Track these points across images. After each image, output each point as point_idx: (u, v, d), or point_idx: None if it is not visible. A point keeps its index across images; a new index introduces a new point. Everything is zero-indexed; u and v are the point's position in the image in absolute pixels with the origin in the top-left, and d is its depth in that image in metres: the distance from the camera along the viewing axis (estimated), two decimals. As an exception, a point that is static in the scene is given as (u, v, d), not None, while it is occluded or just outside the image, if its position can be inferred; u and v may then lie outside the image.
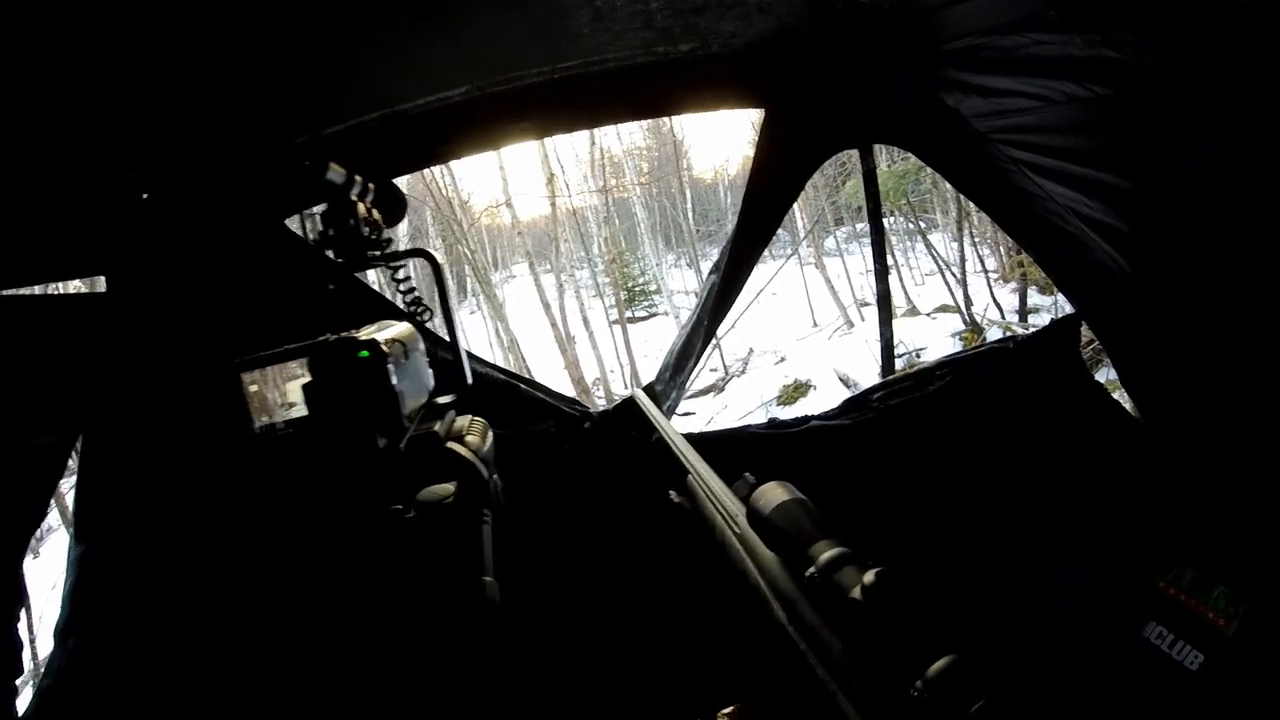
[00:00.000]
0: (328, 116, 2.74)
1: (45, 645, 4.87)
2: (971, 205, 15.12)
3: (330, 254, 2.19)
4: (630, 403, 3.14)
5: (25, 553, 2.56)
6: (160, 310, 2.96)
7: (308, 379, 1.78)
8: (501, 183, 17.16)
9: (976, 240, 17.39)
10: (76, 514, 2.91)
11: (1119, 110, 2.01)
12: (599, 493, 3.09)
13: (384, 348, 1.78)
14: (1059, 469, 2.94)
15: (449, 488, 1.86)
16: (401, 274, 2.43)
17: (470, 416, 2.22)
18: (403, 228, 19.07)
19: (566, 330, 17.85)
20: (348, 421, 1.78)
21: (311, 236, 2.31)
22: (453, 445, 1.99)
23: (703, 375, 17.18)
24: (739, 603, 1.30)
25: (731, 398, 15.70)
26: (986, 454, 3.09)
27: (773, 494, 1.23)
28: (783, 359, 17.93)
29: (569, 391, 15.46)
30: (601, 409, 3.42)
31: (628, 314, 22.77)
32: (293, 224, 3.11)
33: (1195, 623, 2.39)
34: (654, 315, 28.92)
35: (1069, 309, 3.06)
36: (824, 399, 13.39)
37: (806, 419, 3.35)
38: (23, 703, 2.58)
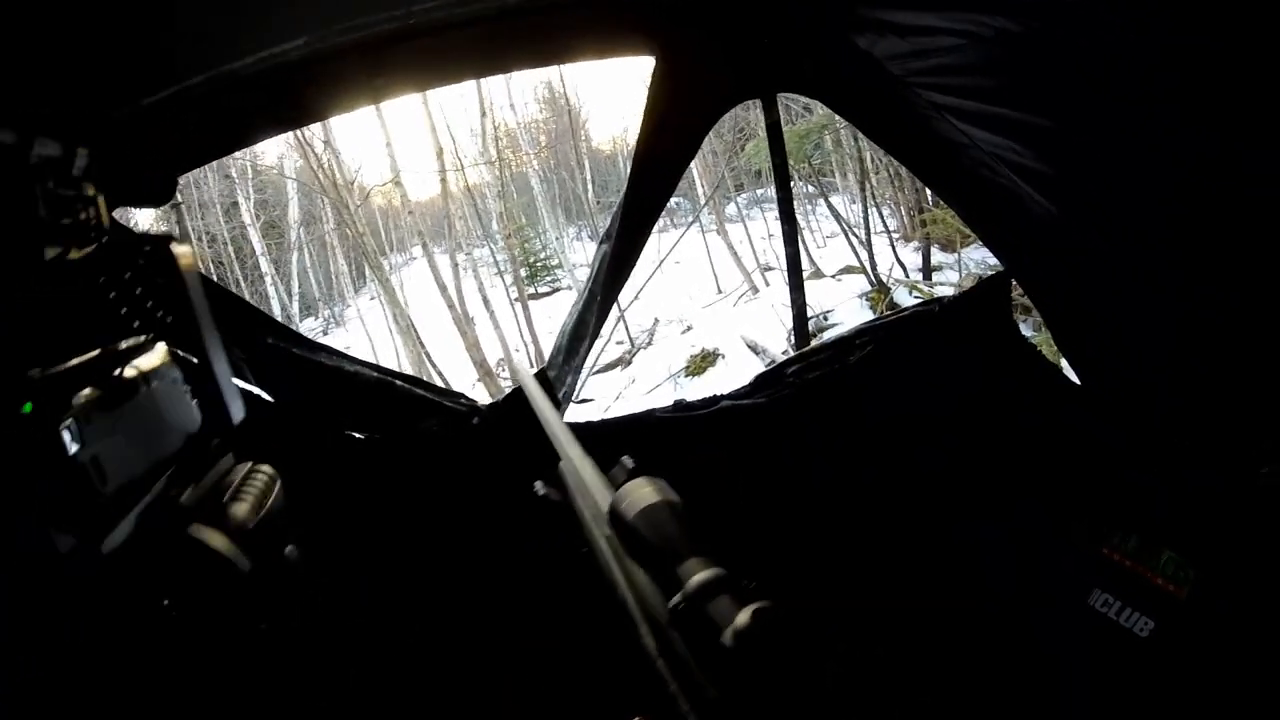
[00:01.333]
0: (150, 83, 2.33)
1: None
2: (871, 165, 15.37)
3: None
4: (520, 393, 2.87)
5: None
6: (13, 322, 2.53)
7: None
8: (389, 160, 16.75)
9: (878, 201, 17.68)
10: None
11: (1054, 44, 1.82)
12: (491, 494, 2.81)
13: (63, 393, 1.23)
14: (980, 425, 2.85)
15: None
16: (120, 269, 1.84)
17: (249, 466, 1.72)
18: (293, 212, 18.57)
19: (465, 312, 17.54)
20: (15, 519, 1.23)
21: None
22: (199, 531, 1.48)
23: (609, 349, 17.17)
24: (607, 619, 1.05)
25: (639, 370, 15.78)
26: (903, 415, 2.97)
27: (640, 493, 0.98)
28: (689, 328, 18.06)
29: (470, 375, 15.30)
30: (491, 402, 3.11)
31: (531, 290, 22.63)
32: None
33: (1144, 589, 2.35)
34: (558, 290, 28.99)
35: (974, 266, 2.92)
36: (733, 367, 13.52)
37: (716, 399, 3.12)
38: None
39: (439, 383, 11.50)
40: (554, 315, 22.93)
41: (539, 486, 1.52)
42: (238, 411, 1.79)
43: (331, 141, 15.50)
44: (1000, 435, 2.79)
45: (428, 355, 15.88)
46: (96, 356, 1.40)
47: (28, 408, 1.15)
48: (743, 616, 0.74)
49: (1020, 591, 2.63)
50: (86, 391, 1.26)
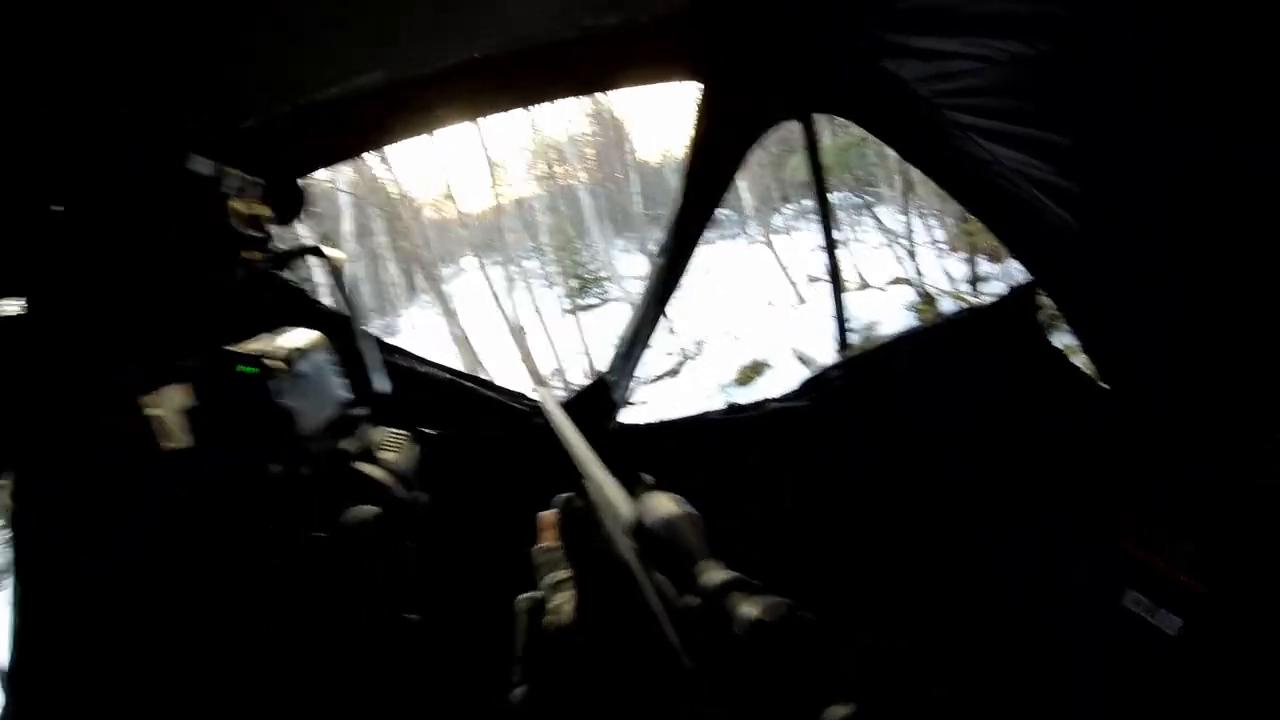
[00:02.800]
0: (239, 112, 2.58)
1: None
2: (916, 175, 15.25)
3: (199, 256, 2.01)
4: (586, 392, 3.03)
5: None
6: (82, 331, 2.81)
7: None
8: (444, 175, 17.01)
9: (923, 211, 17.50)
10: (15, 553, 2.77)
11: (1065, 67, 1.91)
12: (554, 492, 2.98)
13: (273, 361, 1.62)
14: (1008, 429, 2.93)
15: (373, 510, 1.73)
16: (297, 275, 2.25)
17: (390, 429, 2.06)
18: (346, 225, 18.90)
19: (518, 323, 17.72)
20: (234, 446, 1.63)
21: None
22: (363, 465, 1.84)
23: (659, 360, 17.17)
24: (636, 619, 1.21)
25: (688, 380, 15.71)
26: (936, 418, 3.07)
27: (660, 506, 1.14)
28: (738, 339, 17.91)
29: (525, 385, 15.44)
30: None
31: (581, 302, 22.71)
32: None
33: (1170, 587, 2.37)
34: (607, 302, 28.94)
35: (1021, 275, 3.00)
36: (782, 378, 13.42)
37: (765, 402, 3.28)
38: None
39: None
40: (604, 326, 23.01)
41: (573, 499, 1.70)
42: (382, 385, 2.17)
43: (385, 156, 15.72)
44: (1027, 439, 2.88)
45: (481, 366, 16.03)
46: (279, 336, 1.76)
47: (249, 369, 1.54)
48: (753, 610, 0.90)
49: (1039, 596, 2.69)
50: (277, 362, 1.61)
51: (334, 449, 1.85)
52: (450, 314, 17.20)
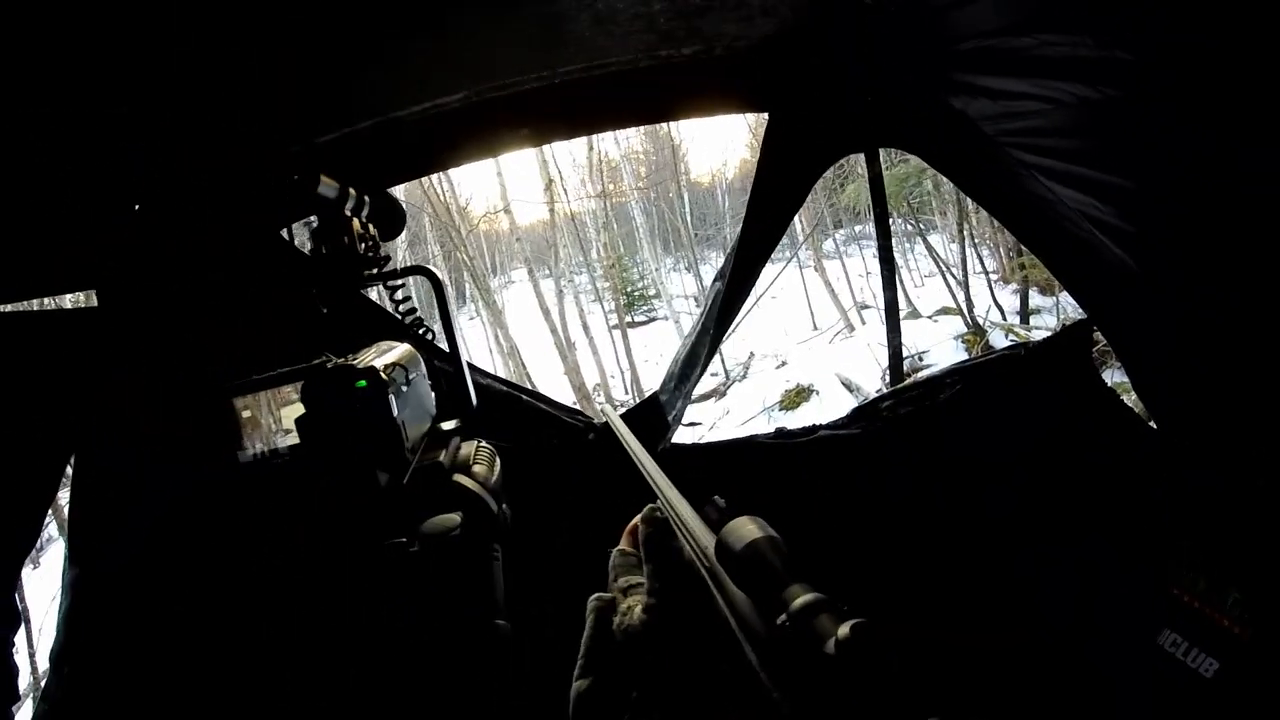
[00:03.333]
0: (321, 125, 2.68)
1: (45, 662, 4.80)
2: (971, 205, 15.14)
3: (323, 273, 2.11)
4: (636, 411, 3.08)
5: (19, 577, 2.52)
6: (152, 324, 2.91)
7: (297, 402, 1.73)
8: (500, 188, 17.15)
9: (976, 241, 17.37)
10: (70, 536, 2.85)
11: (1127, 111, 1.95)
12: (602, 508, 3.04)
13: (383, 375, 1.70)
14: (1055, 464, 2.93)
15: (454, 519, 1.80)
16: (400, 293, 2.36)
17: (477, 442, 2.14)
18: (400, 235, 19.19)
19: (567, 336, 17.82)
20: (344, 458, 1.71)
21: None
22: (460, 478, 1.92)
23: (704, 380, 17.14)
24: (710, 640, 1.25)
25: (733, 403, 15.68)
26: (985, 451, 3.08)
27: (744, 530, 1.17)
28: (784, 363, 17.87)
29: (569, 398, 15.51)
30: (604, 421, 3.37)
31: (627, 319, 22.79)
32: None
33: (1210, 629, 2.34)
34: (654, 320, 28.98)
35: (1071, 310, 3.02)
36: (827, 404, 13.38)
37: (814, 428, 3.30)
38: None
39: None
40: (649, 344, 23.02)
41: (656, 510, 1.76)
42: (474, 400, 2.30)
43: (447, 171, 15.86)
44: (1074, 473, 2.88)
45: (528, 377, 16.13)
46: (380, 350, 1.85)
47: (362, 384, 1.68)
48: (843, 630, 0.95)
49: (1080, 625, 2.67)
50: (391, 375, 1.73)
51: (434, 462, 1.95)
52: (500, 324, 17.33)
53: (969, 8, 2.14)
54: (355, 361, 1.74)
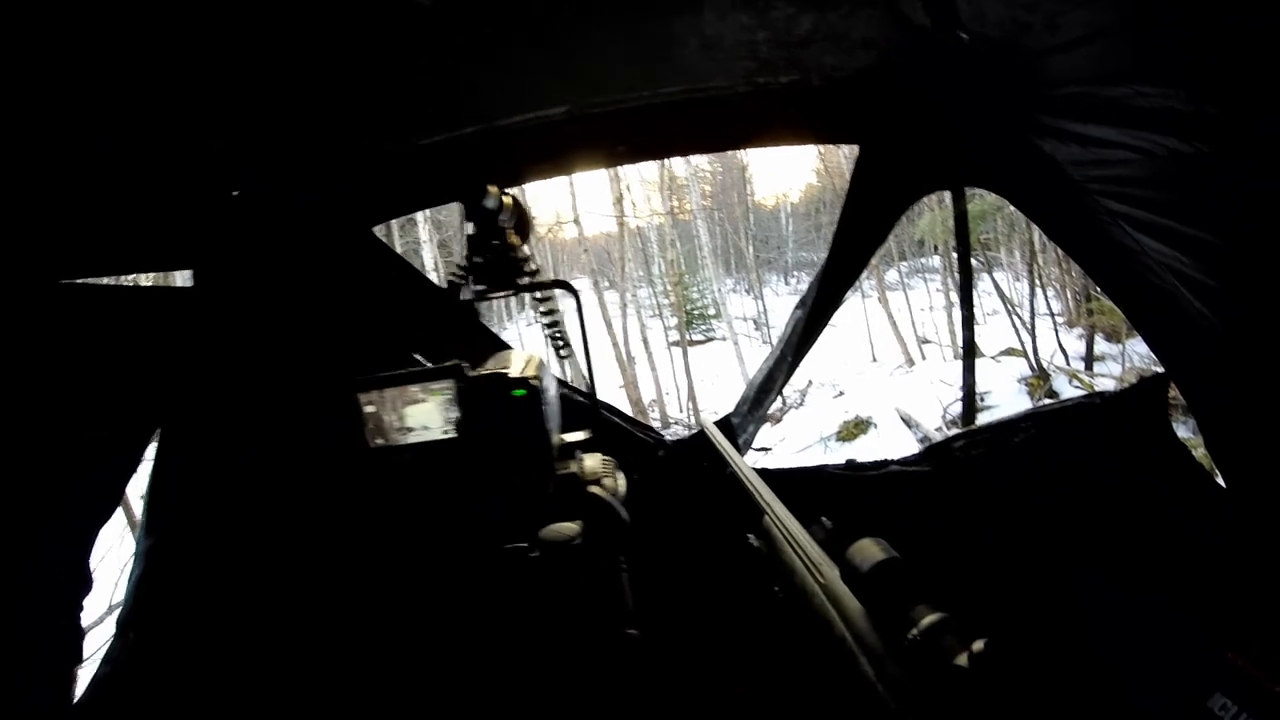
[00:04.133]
0: (425, 127, 2.75)
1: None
2: (1039, 244, 14.96)
3: (472, 279, 2.20)
4: (703, 435, 3.11)
5: (95, 541, 2.59)
6: (245, 308, 2.99)
7: (424, 402, 1.80)
8: (570, 198, 17.30)
9: (1043, 281, 17.13)
10: (147, 506, 2.93)
11: (1217, 167, 1.93)
12: (673, 525, 3.07)
13: (535, 384, 1.79)
14: (1125, 518, 2.91)
15: (574, 527, 1.85)
16: (546, 305, 2.45)
17: (600, 456, 2.22)
18: (468, 230, 19.37)
19: (627, 350, 17.87)
20: (502, 462, 1.79)
21: (457, 261, 2.30)
22: (594, 488, 2.00)
23: (765, 404, 17.10)
24: (821, 652, 1.28)
25: (789, 429, 15.57)
26: (1056, 499, 3.06)
27: (870, 551, 1.23)
28: (841, 393, 17.73)
29: (626, 411, 15.54)
30: (676, 438, 3.40)
31: (687, 336, 22.80)
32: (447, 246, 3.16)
33: (1264, 698, 2.29)
34: (711, 340, 28.97)
35: (1138, 358, 3.00)
36: (885, 438, 13.25)
37: (886, 463, 3.32)
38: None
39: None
40: (705, 363, 23.00)
41: (751, 539, 1.80)
42: (601, 414, 2.39)
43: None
44: (1141, 524, 2.86)
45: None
46: (527, 362, 1.95)
47: (519, 392, 1.81)
48: (977, 645, 0.99)
49: (1132, 673, 2.63)
50: (542, 385, 1.83)
51: (570, 472, 2.03)
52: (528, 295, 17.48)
53: (1065, 54, 2.13)
54: (503, 369, 1.82)
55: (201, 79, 1.90)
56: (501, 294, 2.26)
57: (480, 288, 2.23)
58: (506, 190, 2.18)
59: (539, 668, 1.85)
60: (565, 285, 2.43)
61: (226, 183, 2.69)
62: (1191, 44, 1.77)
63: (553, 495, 1.94)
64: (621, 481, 2.21)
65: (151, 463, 2.97)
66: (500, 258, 2.16)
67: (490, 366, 1.94)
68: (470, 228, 2.16)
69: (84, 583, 2.57)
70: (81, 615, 2.56)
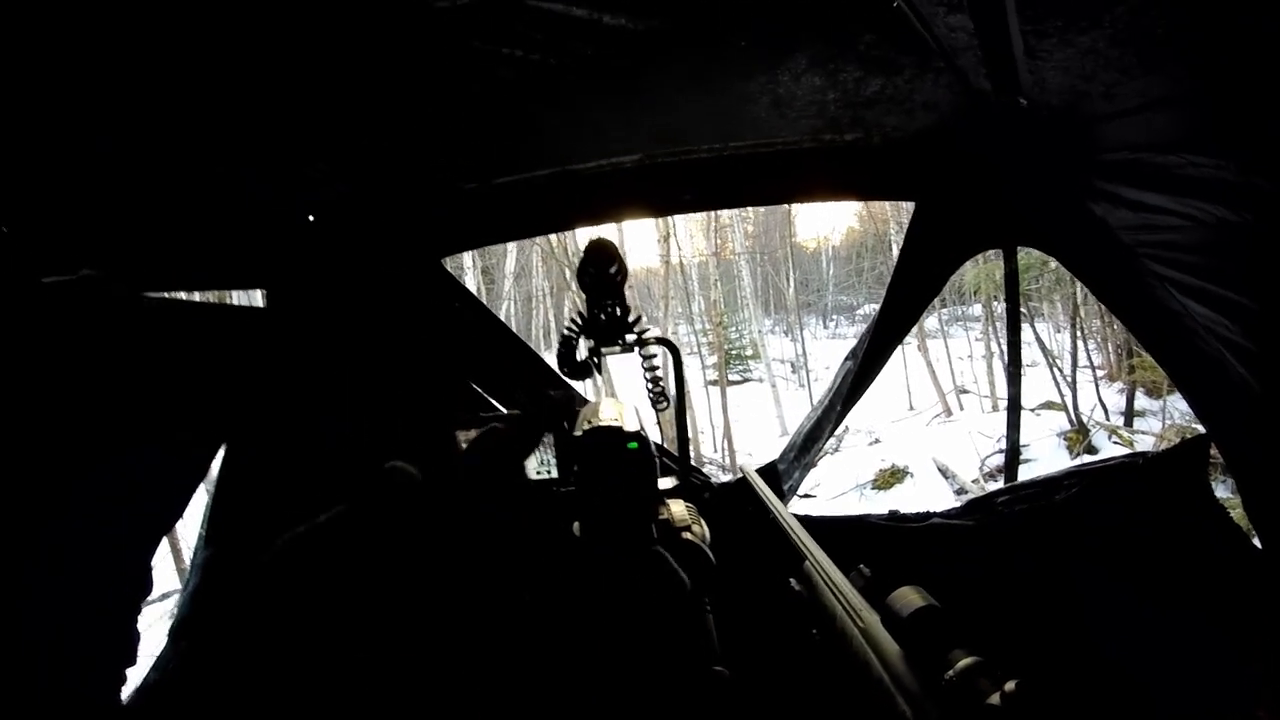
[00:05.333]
0: (500, 167, 2.87)
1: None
2: (1081, 298, 14.83)
3: (584, 337, 2.36)
4: (745, 480, 3.17)
5: (156, 549, 2.68)
6: (315, 330, 3.09)
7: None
8: (617, 233, 17.41)
9: (1084, 334, 16.94)
10: (210, 519, 3.01)
11: (1264, 237, 1.99)
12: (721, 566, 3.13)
13: (644, 437, 1.90)
14: (1159, 573, 2.94)
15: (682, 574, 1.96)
16: (651, 361, 2.54)
17: (684, 503, 2.32)
18: (509, 264, 19.47)
19: (667, 389, 17.88)
20: (620, 513, 1.90)
21: (573, 318, 2.41)
22: (687, 535, 2.09)
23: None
24: (860, 694, 1.35)
25: (824, 475, 15.43)
26: (1092, 559, 3.08)
27: (910, 598, 1.30)
28: (877, 440, 17.59)
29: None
30: (722, 481, 3.46)
31: (727, 375, 22.77)
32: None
33: None
34: (748, 380, 28.88)
35: (1178, 415, 3.02)
36: (922, 488, 13.12)
37: (928, 515, 3.35)
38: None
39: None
40: (741, 404, 22.92)
41: (793, 583, 1.88)
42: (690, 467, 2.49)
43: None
44: (1179, 584, 2.89)
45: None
46: (626, 412, 2.10)
47: (633, 445, 1.94)
48: (1009, 685, 1.07)
49: (1163, 692, 2.68)
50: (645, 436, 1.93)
51: (664, 518, 2.13)
52: (601, 369, 17.44)
53: (1119, 121, 2.20)
54: (615, 422, 1.93)
55: (298, 116, 2.01)
56: (613, 351, 2.36)
57: (593, 344, 2.34)
58: (617, 249, 2.28)
59: (634, 705, 1.92)
60: (668, 343, 2.53)
61: (304, 208, 2.80)
62: (1242, 118, 1.84)
63: (656, 540, 2.03)
64: (705, 528, 2.29)
65: (215, 476, 3.06)
66: (613, 316, 2.25)
67: (594, 417, 2.05)
68: (552, 306, 2.28)
69: (144, 587, 2.65)
70: (139, 618, 2.65)
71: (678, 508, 2.28)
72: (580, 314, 2.32)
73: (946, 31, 1.92)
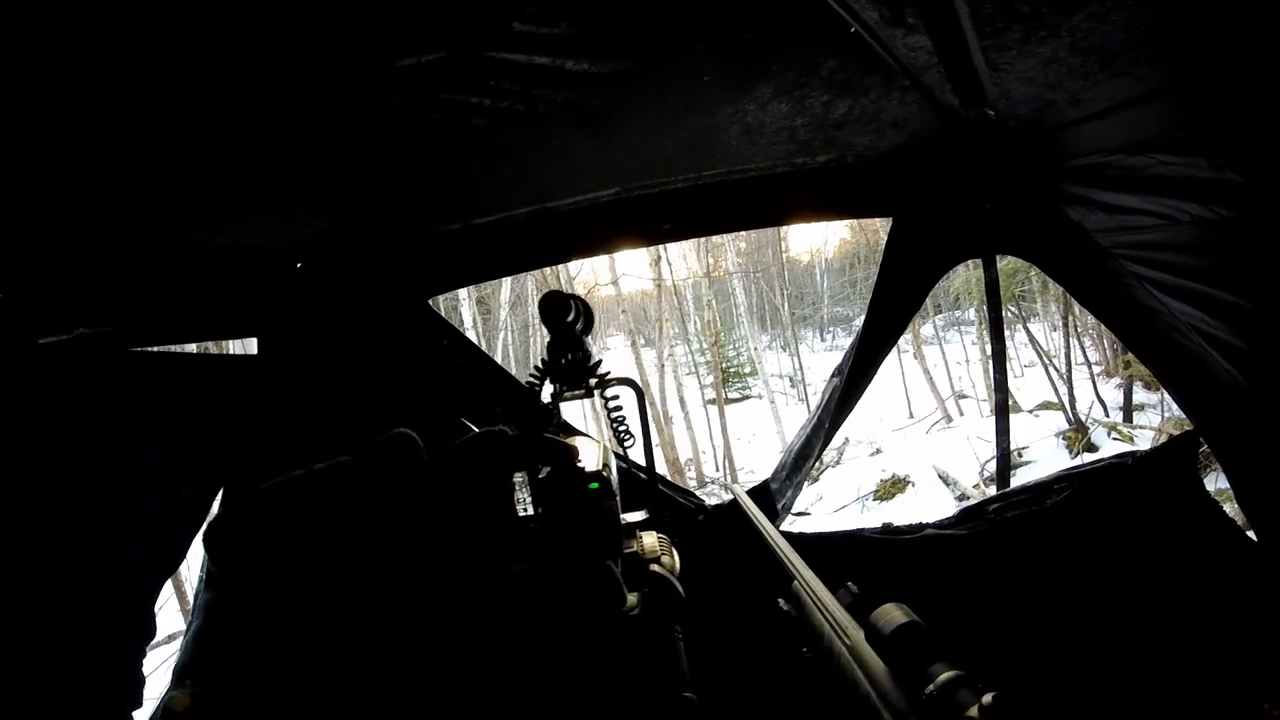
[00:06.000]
0: (480, 208, 2.91)
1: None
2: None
3: (547, 381, 2.39)
4: (748, 496, 3.19)
5: (159, 594, 2.72)
6: (307, 374, 3.13)
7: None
8: (609, 259, 17.45)
9: (1079, 332, 16.93)
10: (211, 563, 3.05)
11: (1241, 231, 2.04)
12: (710, 588, 3.14)
13: (606, 476, 1.95)
14: (1153, 573, 2.98)
15: (632, 599, 1.99)
16: (613, 402, 2.57)
17: (655, 534, 2.36)
18: (504, 294, 19.49)
19: (664, 409, 17.94)
20: (580, 550, 1.95)
21: (534, 366, 2.46)
22: (655, 567, 2.14)
23: (799, 463, 16.92)
24: (846, 710, 1.38)
25: (827, 488, 15.38)
26: (1085, 561, 3.13)
27: (892, 615, 1.34)
28: (878, 450, 17.55)
29: (663, 471, 15.45)
30: (715, 503, 3.49)
31: (724, 394, 22.74)
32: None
33: None
34: (746, 397, 28.85)
35: (1175, 407, 3.05)
36: (923, 496, 13.08)
37: (921, 526, 3.38)
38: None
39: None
40: (741, 422, 22.91)
41: (781, 603, 1.91)
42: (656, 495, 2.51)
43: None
44: (1174, 581, 2.94)
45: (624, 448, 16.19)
46: (594, 451, 2.13)
47: (594, 485, 1.99)
48: (987, 698, 1.10)
49: (1153, 689, 2.73)
50: (611, 478, 1.98)
51: (632, 551, 2.18)
52: (602, 395, 17.48)
53: (1087, 126, 2.24)
54: (578, 463, 1.98)
55: (281, 167, 2.04)
56: (576, 395, 2.40)
57: (557, 388, 2.39)
58: (579, 297, 2.32)
59: None
60: (631, 383, 2.57)
61: (291, 255, 2.84)
62: (1211, 115, 1.88)
63: (621, 573, 2.07)
64: (676, 558, 2.33)
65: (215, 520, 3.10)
66: (576, 363, 2.30)
67: (561, 455, 2.10)
68: (547, 335, 2.31)
69: (146, 632, 2.69)
70: (143, 662, 2.68)
71: (649, 539, 2.33)
72: (543, 360, 2.36)
73: (907, 52, 1.95)
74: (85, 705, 2.45)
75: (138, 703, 2.64)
